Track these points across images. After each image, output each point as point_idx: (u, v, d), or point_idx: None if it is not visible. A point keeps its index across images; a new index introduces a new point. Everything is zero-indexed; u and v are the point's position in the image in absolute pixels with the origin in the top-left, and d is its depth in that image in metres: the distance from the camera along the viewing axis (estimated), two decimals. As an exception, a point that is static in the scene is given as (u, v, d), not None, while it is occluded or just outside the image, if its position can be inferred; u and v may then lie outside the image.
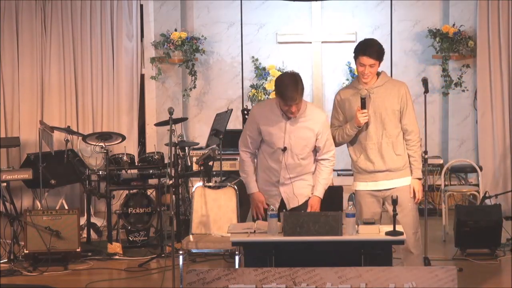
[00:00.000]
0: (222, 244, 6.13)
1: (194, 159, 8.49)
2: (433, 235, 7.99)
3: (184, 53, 10.09)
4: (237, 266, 5.92)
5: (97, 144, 8.05)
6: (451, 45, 9.80)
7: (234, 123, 9.87)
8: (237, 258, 5.98)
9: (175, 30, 10.09)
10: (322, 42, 10.22)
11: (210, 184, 6.82)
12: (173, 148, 7.22)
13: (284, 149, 5.62)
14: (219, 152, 7.96)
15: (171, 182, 7.52)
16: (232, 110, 9.22)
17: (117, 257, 7.61)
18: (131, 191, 8.08)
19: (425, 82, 6.94)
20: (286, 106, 5.52)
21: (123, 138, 8.39)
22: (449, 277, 4.76)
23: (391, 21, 10.11)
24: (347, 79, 10.13)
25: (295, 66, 9.93)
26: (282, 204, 5.71)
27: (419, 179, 5.69)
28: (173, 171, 7.70)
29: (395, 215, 5.19)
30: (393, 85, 5.70)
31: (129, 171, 8.05)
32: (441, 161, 9.23)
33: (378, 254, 5.04)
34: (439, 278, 4.76)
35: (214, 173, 8.32)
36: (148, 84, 10.23)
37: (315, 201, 5.70)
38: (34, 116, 9.85)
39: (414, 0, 10.17)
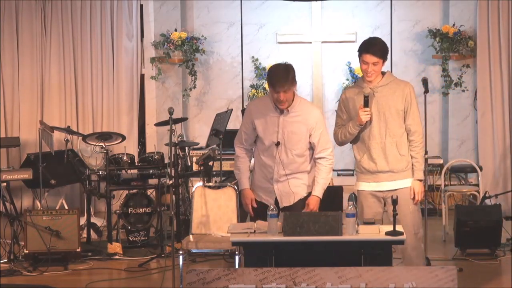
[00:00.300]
0: (222, 244, 6.13)
1: (194, 159, 8.49)
2: (433, 235, 7.99)
3: (184, 53, 10.09)
4: (237, 266, 5.92)
5: (97, 144, 8.05)
6: (451, 45, 9.80)
7: (234, 123, 9.86)
8: (237, 258, 5.98)
9: (175, 30, 10.09)
10: (322, 42, 10.22)
11: (210, 184, 6.82)
12: (173, 148, 7.23)
13: (278, 144, 5.64)
14: (219, 152, 7.96)
15: (171, 182, 7.52)
16: (232, 110, 9.23)
17: (117, 257, 7.61)
18: (131, 191, 8.08)
19: (425, 82, 6.95)
20: (275, 93, 5.56)
21: (123, 138, 8.40)
22: (449, 277, 4.76)
23: (391, 21, 10.11)
24: (347, 79, 10.13)
25: (295, 66, 9.84)
26: (277, 202, 5.72)
27: (420, 180, 5.68)
28: (173, 171, 7.70)
29: (395, 215, 5.18)
30: (397, 84, 5.70)
31: (129, 171, 8.05)
32: (441, 161, 9.23)
33: (378, 254, 5.03)
34: (439, 278, 4.76)
35: (214, 173, 8.33)
36: (148, 84, 10.23)
37: (314, 201, 5.69)
38: (34, 116, 9.85)
39: (414, 0, 10.17)
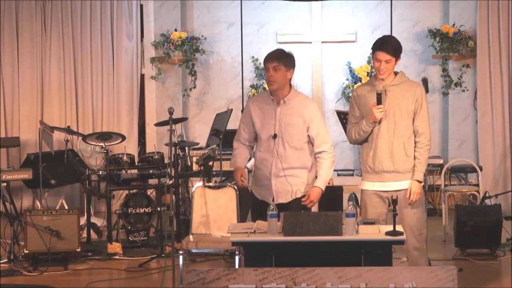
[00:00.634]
0: (222, 244, 6.13)
1: (194, 159, 8.50)
2: (433, 235, 7.99)
3: (184, 53, 10.09)
4: (237, 266, 5.93)
5: (97, 144, 8.05)
6: (451, 45, 9.80)
7: (234, 123, 9.85)
8: (237, 258, 5.98)
9: (175, 30, 10.09)
10: (322, 42, 10.22)
11: (210, 184, 6.82)
12: (173, 148, 7.22)
13: (275, 136, 5.66)
14: (219, 152, 7.97)
15: (171, 182, 7.52)
16: (232, 110, 9.23)
17: (117, 257, 7.61)
18: (131, 191, 8.08)
19: (425, 82, 6.96)
20: (266, 72, 5.64)
21: (123, 138, 8.40)
22: (449, 277, 4.76)
23: (391, 21, 10.11)
24: (347, 79, 10.13)
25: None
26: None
27: (419, 181, 5.67)
28: (173, 171, 7.70)
29: (395, 215, 5.18)
30: (409, 85, 5.70)
31: (129, 171, 8.05)
32: (441, 161, 9.23)
33: (378, 254, 5.03)
34: (439, 278, 4.76)
35: (214, 173, 8.33)
36: (148, 84, 10.23)
37: (316, 192, 5.68)
38: (34, 116, 9.84)
39: (414, 0, 10.17)
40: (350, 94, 9.98)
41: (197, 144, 9.19)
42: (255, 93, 10.14)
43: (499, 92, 9.60)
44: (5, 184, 7.90)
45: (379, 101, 5.59)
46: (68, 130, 8.75)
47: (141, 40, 10.12)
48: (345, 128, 7.40)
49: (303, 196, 5.70)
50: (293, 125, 5.68)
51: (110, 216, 7.88)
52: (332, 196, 8.14)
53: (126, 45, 9.91)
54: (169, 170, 7.00)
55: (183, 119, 8.88)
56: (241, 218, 6.48)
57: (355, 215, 5.14)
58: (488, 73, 9.62)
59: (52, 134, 8.41)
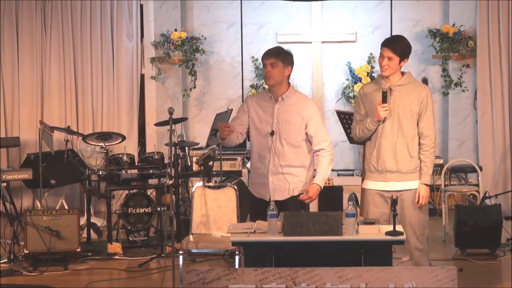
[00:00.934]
0: (222, 244, 6.13)
1: (194, 159, 8.50)
2: (433, 235, 7.98)
3: (184, 53, 10.09)
4: (237, 266, 5.93)
5: (97, 144, 8.05)
6: (451, 45, 9.79)
7: (234, 123, 9.86)
8: (237, 258, 5.98)
9: (175, 30, 10.08)
10: (322, 42, 10.21)
11: (210, 184, 6.82)
12: (173, 148, 7.23)
13: (272, 133, 5.68)
14: (219, 152, 7.97)
15: (171, 182, 7.52)
16: (232, 110, 9.22)
17: (117, 257, 7.61)
18: (131, 191, 8.08)
19: (425, 82, 6.96)
20: (264, 68, 5.69)
21: (123, 138, 8.39)
22: (449, 277, 4.76)
23: (391, 21, 10.11)
24: (347, 79, 10.12)
25: (295, 66, 9.90)
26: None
27: (427, 185, 5.67)
28: (173, 171, 7.70)
29: (395, 215, 5.19)
30: (415, 86, 5.70)
31: (129, 171, 8.06)
32: (441, 161, 9.23)
33: (378, 254, 5.03)
34: (439, 278, 4.76)
35: (214, 173, 8.33)
36: (148, 84, 10.23)
37: (314, 189, 5.69)
38: (34, 116, 9.84)
39: (414, 0, 10.17)
40: (350, 94, 9.98)
41: (197, 144, 9.19)
42: (255, 93, 10.14)
43: (499, 92, 9.60)
44: (5, 184, 7.90)
45: (384, 100, 5.60)
46: (68, 130, 8.75)
47: (141, 40, 10.12)
48: (345, 128, 7.41)
49: (300, 194, 5.70)
50: (291, 122, 5.69)
51: (110, 216, 7.88)
52: (332, 196, 8.15)
53: (126, 45, 9.91)
54: (169, 170, 7.00)
55: (183, 119, 8.88)
56: (241, 218, 6.48)
57: (355, 215, 5.14)
58: (488, 73, 9.62)
59: (52, 134, 8.41)
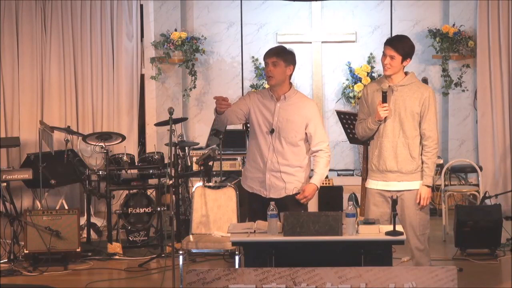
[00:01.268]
0: (222, 244, 6.13)
1: (194, 159, 8.49)
2: (433, 235, 7.96)
3: (184, 53, 10.09)
4: (237, 266, 5.92)
5: (97, 144, 8.05)
6: (451, 45, 9.79)
7: (234, 123, 9.85)
8: (237, 258, 5.98)
9: (175, 30, 10.08)
10: (322, 42, 10.21)
11: (210, 184, 6.83)
12: (173, 148, 7.22)
13: (272, 131, 5.68)
14: (219, 152, 7.97)
15: (171, 182, 7.51)
16: (232, 110, 9.21)
17: (117, 257, 7.61)
18: (131, 191, 8.08)
19: (425, 82, 6.96)
20: (266, 67, 5.70)
21: (123, 138, 8.39)
22: (449, 277, 4.76)
23: (391, 21, 10.11)
24: (347, 79, 10.13)
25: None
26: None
27: (429, 186, 5.67)
28: (173, 171, 7.70)
29: (395, 215, 5.19)
30: (418, 87, 5.69)
31: (129, 171, 8.05)
32: (441, 161, 9.23)
33: (378, 254, 5.03)
34: (439, 278, 4.76)
35: (214, 173, 8.33)
36: (148, 84, 10.23)
37: (311, 188, 5.69)
38: (34, 116, 9.84)
39: (414, 0, 10.17)
40: (350, 94, 9.99)
41: (197, 144, 9.19)
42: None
43: (499, 92, 9.60)
44: (5, 184, 7.90)
45: (384, 100, 5.60)
46: (68, 130, 8.75)
47: (141, 40, 10.12)
48: (345, 128, 7.41)
49: (296, 194, 5.70)
50: (291, 121, 5.70)
51: (110, 216, 7.88)
52: (332, 196, 8.16)
53: (126, 45, 9.91)
54: (169, 170, 6.99)
55: (183, 119, 8.88)
56: (241, 218, 6.48)
57: (355, 215, 5.14)
58: (488, 73, 9.62)
59: (52, 134, 8.41)
